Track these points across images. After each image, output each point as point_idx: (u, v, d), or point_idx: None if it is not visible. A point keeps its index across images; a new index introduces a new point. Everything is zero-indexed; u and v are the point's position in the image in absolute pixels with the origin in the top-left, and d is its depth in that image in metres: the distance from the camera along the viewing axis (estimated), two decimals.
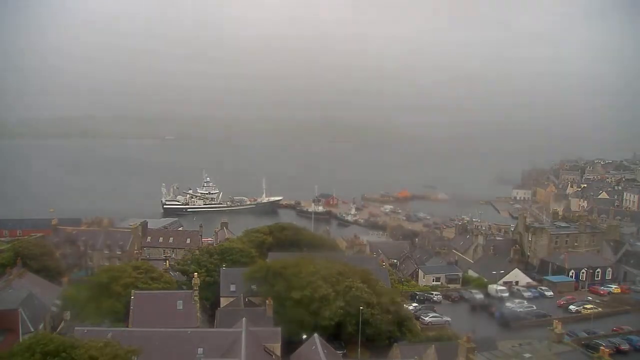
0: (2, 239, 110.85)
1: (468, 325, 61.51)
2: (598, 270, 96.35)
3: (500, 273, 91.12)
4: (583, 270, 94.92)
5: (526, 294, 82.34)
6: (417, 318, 67.15)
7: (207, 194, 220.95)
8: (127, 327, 50.39)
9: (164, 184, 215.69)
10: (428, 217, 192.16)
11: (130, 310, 52.99)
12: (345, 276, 56.99)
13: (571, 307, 75.87)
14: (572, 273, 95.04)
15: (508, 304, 76.46)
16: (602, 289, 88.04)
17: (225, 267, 68.53)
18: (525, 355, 44.16)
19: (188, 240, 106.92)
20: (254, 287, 60.17)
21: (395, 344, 53.41)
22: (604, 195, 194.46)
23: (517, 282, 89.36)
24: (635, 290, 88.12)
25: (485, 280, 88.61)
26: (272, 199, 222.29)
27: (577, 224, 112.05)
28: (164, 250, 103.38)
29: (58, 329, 57.18)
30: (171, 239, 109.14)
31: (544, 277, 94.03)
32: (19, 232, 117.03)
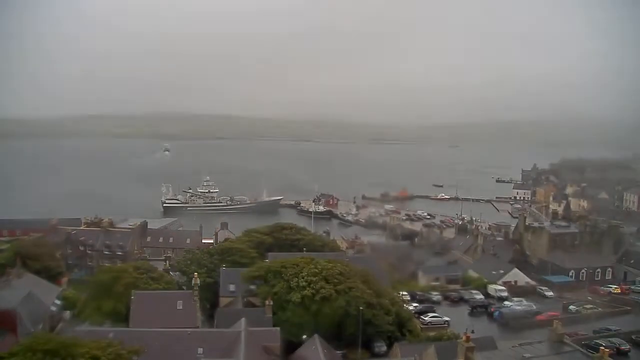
0: (2, 239, 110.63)
1: (467, 325, 61.53)
2: (598, 270, 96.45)
3: (500, 273, 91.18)
4: (583, 270, 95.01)
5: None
6: (417, 318, 67.27)
7: (206, 192, 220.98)
8: (128, 327, 50.44)
9: (163, 184, 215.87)
10: (428, 217, 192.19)
11: (131, 310, 53.05)
12: (346, 276, 57.00)
13: (571, 307, 75.87)
14: (572, 273, 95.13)
15: (506, 302, 76.75)
16: (602, 289, 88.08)
17: (225, 267, 68.55)
18: (525, 355, 44.17)
19: (188, 240, 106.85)
20: (253, 287, 60.16)
21: (396, 343, 53.54)
22: (604, 195, 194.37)
23: (516, 282, 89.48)
24: (635, 290, 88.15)
25: (485, 280, 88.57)
26: (273, 198, 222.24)
27: (577, 224, 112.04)
28: (164, 250, 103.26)
29: (57, 329, 57.24)
30: (171, 239, 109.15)
31: (544, 277, 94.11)
32: (19, 232, 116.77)
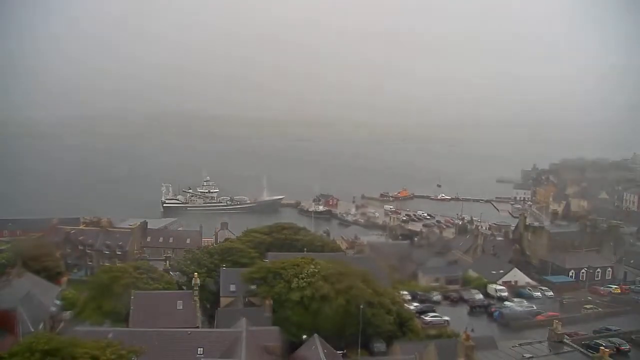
0: (2, 239, 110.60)
1: (467, 324, 61.63)
2: (598, 270, 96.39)
3: (500, 273, 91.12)
4: (583, 270, 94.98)
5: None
6: (418, 317, 67.29)
7: (207, 192, 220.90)
8: (128, 327, 50.44)
9: (163, 184, 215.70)
10: (428, 217, 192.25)
11: (131, 310, 53.04)
12: (346, 276, 57.02)
13: None
14: (572, 273, 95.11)
15: (507, 303, 76.81)
16: (602, 289, 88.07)
17: (225, 267, 68.53)
18: (525, 355, 44.25)
19: (188, 240, 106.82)
20: (253, 287, 60.17)
21: (396, 342, 53.57)
22: (604, 195, 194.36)
23: (516, 282, 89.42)
24: (635, 290, 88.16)
25: (485, 280, 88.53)
26: (273, 197, 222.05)
27: (577, 223, 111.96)
28: (164, 250, 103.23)
29: (57, 329, 57.26)
30: (171, 239, 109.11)
31: (544, 277, 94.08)
32: (19, 232, 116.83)
